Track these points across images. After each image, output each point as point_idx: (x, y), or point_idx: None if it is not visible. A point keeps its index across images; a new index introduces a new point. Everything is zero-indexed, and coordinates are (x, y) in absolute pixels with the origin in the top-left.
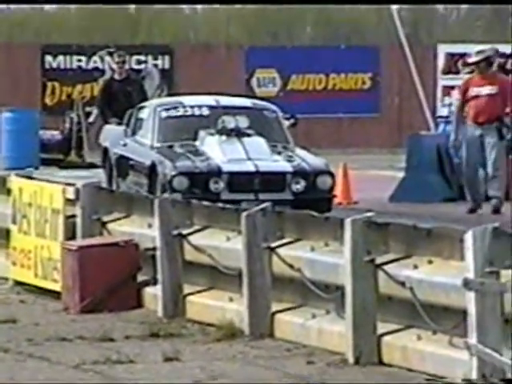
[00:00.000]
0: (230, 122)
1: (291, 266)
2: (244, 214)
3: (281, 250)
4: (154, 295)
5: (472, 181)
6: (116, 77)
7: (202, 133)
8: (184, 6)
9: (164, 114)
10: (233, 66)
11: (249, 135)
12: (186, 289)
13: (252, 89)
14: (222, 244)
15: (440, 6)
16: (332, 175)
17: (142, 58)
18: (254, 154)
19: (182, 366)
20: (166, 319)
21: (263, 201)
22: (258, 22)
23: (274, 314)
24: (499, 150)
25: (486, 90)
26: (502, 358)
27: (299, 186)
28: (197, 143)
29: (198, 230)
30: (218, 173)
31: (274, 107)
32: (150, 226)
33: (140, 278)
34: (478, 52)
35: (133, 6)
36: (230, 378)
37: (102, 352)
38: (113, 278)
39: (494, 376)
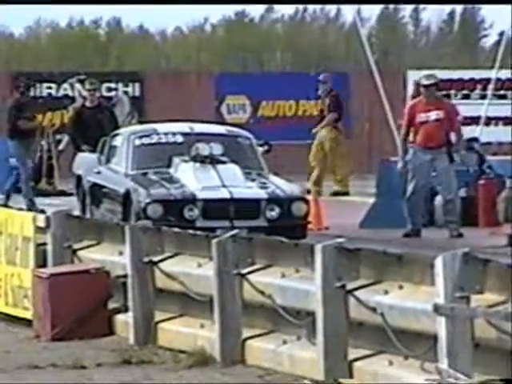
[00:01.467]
0: (204, 149)
1: (262, 293)
2: (214, 240)
3: (251, 277)
4: (125, 322)
5: (417, 205)
6: (87, 104)
7: (176, 160)
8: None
9: (138, 142)
10: (203, 92)
11: (223, 162)
12: (158, 316)
13: (222, 115)
14: (193, 271)
15: (410, 30)
16: (306, 201)
17: (113, 85)
18: (229, 181)
19: None
20: (137, 346)
21: (238, 228)
22: (227, 49)
23: (245, 340)
24: (450, 173)
25: (433, 115)
26: (473, 382)
27: (274, 212)
28: (171, 170)
29: (169, 257)
30: (192, 200)
31: (248, 134)
32: (120, 253)
33: (111, 305)
34: (429, 76)
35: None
36: None
37: (74, 379)
38: (84, 305)
39: None
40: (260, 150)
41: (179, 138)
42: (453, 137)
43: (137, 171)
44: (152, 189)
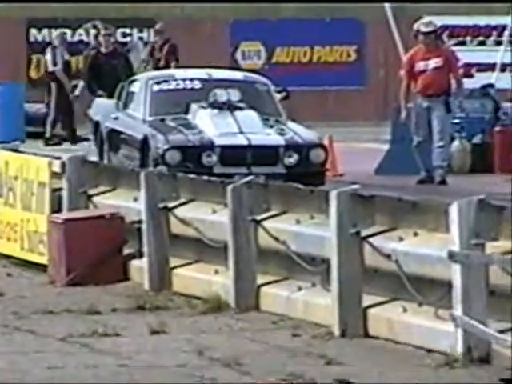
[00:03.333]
0: (221, 95)
1: (277, 239)
2: (229, 186)
3: (266, 223)
4: (140, 268)
5: (422, 151)
6: (102, 50)
7: (193, 106)
8: None
9: (156, 88)
10: (218, 39)
11: (241, 108)
12: (172, 262)
13: (237, 62)
14: (208, 217)
15: None
16: (325, 148)
17: (128, 30)
18: (247, 128)
19: (168, 339)
20: (152, 292)
21: (256, 174)
22: None
23: (259, 286)
24: (445, 121)
25: (433, 63)
26: (487, 329)
27: (292, 159)
28: (189, 117)
29: (184, 203)
30: (210, 146)
31: (265, 80)
32: (135, 199)
33: (126, 250)
34: (428, 23)
35: None
36: (216, 350)
37: (89, 325)
38: (99, 251)
39: (479, 347)
40: (278, 96)
41: (197, 84)
42: (453, 83)
43: (155, 117)
44: (170, 135)
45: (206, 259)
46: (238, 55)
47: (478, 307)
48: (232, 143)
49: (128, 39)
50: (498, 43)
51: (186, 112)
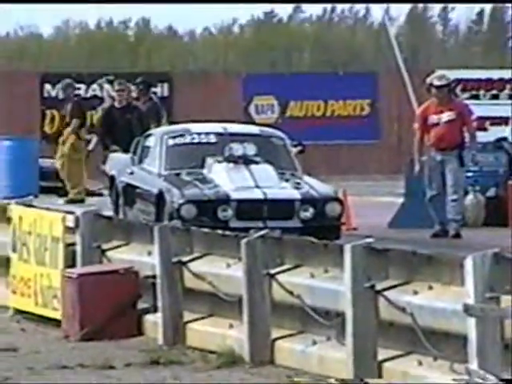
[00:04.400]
0: (237, 149)
1: (291, 293)
2: (244, 240)
3: (281, 277)
4: (154, 323)
5: (436, 204)
6: (116, 104)
7: (209, 160)
8: (182, 31)
9: (171, 142)
10: (231, 93)
11: (256, 162)
12: (187, 316)
13: (250, 116)
14: (222, 271)
15: (439, 30)
16: (341, 202)
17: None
18: (262, 182)
19: None
20: (166, 346)
21: (272, 228)
22: (255, 49)
23: (274, 340)
24: (459, 175)
25: (446, 116)
26: (503, 383)
27: (308, 213)
28: (204, 171)
29: (198, 257)
30: (226, 200)
31: (281, 134)
32: (149, 253)
33: (140, 305)
34: (440, 77)
35: (132, 32)
36: None
37: (103, 380)
38: (113, 305)
39: None
40: (294, 150)
41: (212, 138)
42: (466, 137)
43: (170, 171)
44: (185, 189)
45: (220, 313)
46: (252, 109)
47: (493, 361)
48: (248, 197)
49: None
50: None
51: (202, 166)
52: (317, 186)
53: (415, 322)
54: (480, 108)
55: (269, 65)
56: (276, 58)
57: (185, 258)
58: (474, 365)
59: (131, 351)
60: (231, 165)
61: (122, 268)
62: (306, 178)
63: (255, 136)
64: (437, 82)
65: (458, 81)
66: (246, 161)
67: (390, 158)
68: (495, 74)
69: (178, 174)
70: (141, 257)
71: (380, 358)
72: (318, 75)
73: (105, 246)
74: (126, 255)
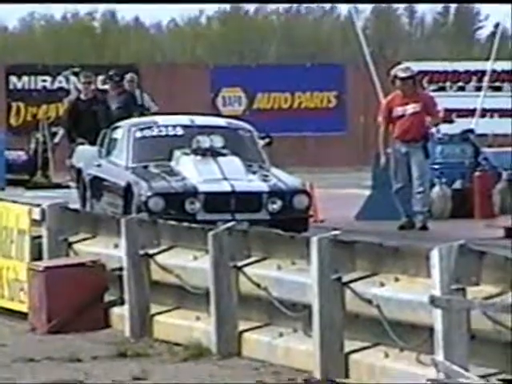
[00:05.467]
0: (204, 141)
1: (258, 285)
2: (210, 233)
3: (247, 269)
4: (121, 315)
5: (403, 197)
6: (82, 97)
7: (177, 153)
8: (148, 23)
9: (138, 134)
10: (198, 85)
11: (224, 155)
12: (154, 308)
13: (217, 108)
14: (189, 263)
15: (405, 23)
16: (308, 194)
17: None
18: (230, 174)
19: None
20: (133, 339)
21: (239, 221)
22: (222, 41)
23: (241, 332)
24: (424, 167)
25: (411, 108)
26: (469, 374)
27: (275, 205)
28: (172, 163)
29: (165, 250)
30: (193, 193)
31: (249, 126)
32: (116, 246)
33: (107, 298)
34: (405, 69)
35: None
36: None
37: (70, 373)
38: (80, 298)
39: None
40: (261, 142)
41: (180, 131)
42: (428, 123)
43: (138, 164)
44: (153, 182)
45: (187, 306)
46: (219, 101)
47: (459, 352)
48: (215, 190)
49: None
50: (478, 89)
51: (169, 159)
52: (284, 179)
53: (382, 314)
54: (446, 100)
55: (236, 57)
56: (243, 50)
57: (152, 251)
58: (440, 356)
59: (98, 344)
60: (199, 157)
61: (89, 261)
62: (274, 171)
63: (222, 128)
64: (401, 74)
65: (425, 73)
66: (214, 153)
67: (357, 150)
68: (461, 66)
69: (145, 167)
70: (108, 249)
71: (347, 349)
72: (285, 67)
73: (71, 239)
74: (92, 248)
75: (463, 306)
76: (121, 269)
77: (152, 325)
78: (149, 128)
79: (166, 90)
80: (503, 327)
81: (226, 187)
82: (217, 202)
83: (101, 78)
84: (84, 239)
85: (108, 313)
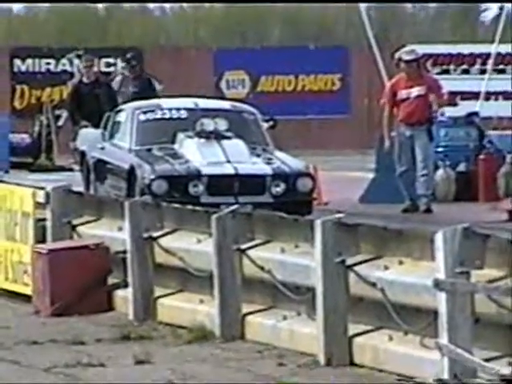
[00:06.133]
0: (208, 124)
1: (262, 268)
2: (214, 216)
3: (251, 252)
4: (124, 298)
5: (407, 180)
6: (84, 80)
7: (180, 135)
8: (152, 6)
9: (142, 117)
10: (202, 68)
11: (228, 138)
12: (157, 291)
13: (221, 91)
14: (193, 246)
15: (409, 6)
16: (312, 177)
17: (111, 60)
18: (234, 157)
19: (153, 369)
20: (136, 322)
21: (243, 204)
22: (226, 23)
23: (244, 315)
24: (428, 150)
25: (415, 91)
26: (473, 357)
27: (279, 188)
28: (175, 146)
29: (169, 233)
30: (197, 176)
31: (252, 109)
32: (120, 228)
33: (111, 280)
34: (410, 51)
35: (102, 6)
36: (201, 379)
37: (73, 355)
38: (83, 281)
39: (465, 376)
40: (265, 125)
41: (184, 114)
42: (435, 106)
43: (141, 147)
44: (157, 165)
45: (190, 289)
46: (223, 84)
47: (463, 335)
48: (219, 172)
49: (112, 69)
50: (483, 72)
51: (173, 141)
52: (288, 161)
53: (386, 297)
54: (450, 83)
55: (240, 40)
56: (247, 33)
57: (155, 234)
58: (444, 339)
59: (102, 327)
60: (202, 140)
61: (93, 243)
62: (278, 153)
63: (226, 111)
64: (406, 57)
65: (429, 55)
66: (218, 136)
67: (361, 133)
68: (466, 49)
69: (149, 150)
70: (111, 232)
71: (350, 333)
72: (288, 50)
73: (75, 222)
74: (96, 231)
75: (467, 290)
76: (124, 252)
77: (155, 308)
78: (152, 111)
79: (169, 73)
80: (507, 310)
81: (229, 170)
82: (220, 184)
83: (105, 61)
84: (88, 222)
85: (111, 295)
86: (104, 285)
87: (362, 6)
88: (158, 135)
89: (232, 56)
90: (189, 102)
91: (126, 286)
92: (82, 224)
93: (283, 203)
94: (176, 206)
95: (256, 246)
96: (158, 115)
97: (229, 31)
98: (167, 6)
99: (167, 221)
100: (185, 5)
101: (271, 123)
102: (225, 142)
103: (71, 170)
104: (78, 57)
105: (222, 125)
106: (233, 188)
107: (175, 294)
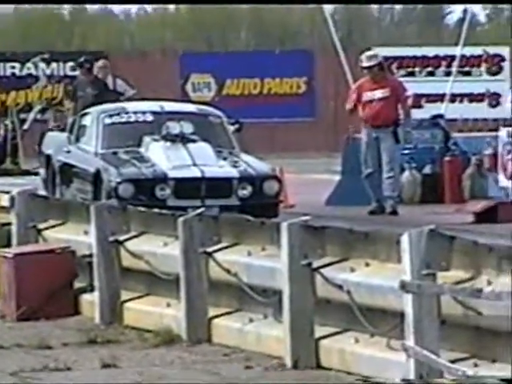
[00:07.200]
0: (174, 127)
1: (228, 271)
2: (180, 219)
3: (218, 255)
4: (91, 302)
5: (373, 182)
6: (84, 80)
7: (146, 139)
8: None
9: (107, 121)
10: (168, 71)
11: (194, 141)
12: (124, 295)
13: (187, 94)
14: (159, 250)
15: (375, 7)
16: (278, 180)
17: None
18: (200, 160)
19: (119, 372)
20: (103, 326)
21: (210, 207)
22: (192, 27)
23: (211, 319)
24: (394, 152)
25: (379, 93)
26: (439, 359)
27: (246, 191)
28: (141, 149)
29: (135, 236)
30: (163, 179)
31: (218, 112)
32: (86, 232)
33: (77, 284)
34: (371, 56)
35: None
36: (169, 383)
37: (40, 360)
38: (49, 285)
39: (431, 377)
40: (231, 128)
41: (149, 117)
42: (401, 114)
43: (107, 150)
44: (123, 168)
45: (157, 292)
46: (189, 87)
47: (429, 337)
48: (185, 176)
49: (77, 73)
50: (447, 74)
51: (139, 145)
52: (254, 164)
53: (352, 299)
54: (416, 85)
55: (205, 43)
56: (212, 37)
57: (122, 237)
58: (410, 341)
59: (68, 331)
60: (168, 143)
61: (59, 247)
62: (244, 156)
63: (192, 114)
64: (365, 64)
65: (394, 58)
66: (184, 139)
67: (327, 136)
68: (431, 51)
69: (115, 153)
70: (77, 236)
71: (317, 335)
72: (254, 53)
73: (41, 226)
74: (62, 234)
75: (433, 291)
76: (90, 255)
77: (122, 311)
78: (118, 114)
79: (135, 77)
80: (473, 312)
81: (195, 173)
82: (187, 187)
83: (70, 64)
84: (53, 226)
85: (78, 299)
86: (70, 289)
87: (327, 8)
88: (124, 139)
89: (198, 59)
90: (154, 106)
91: (92, 289)
92: (48, 228)
93: (250, 206)
94: (142, 209)
95: (223, 249)
96: (124, 119)
97: (194, 35)
98: (133, 10)
99: (134, 224)
100: (149, 9)
101: (237, 126)
102: (191, 145)
103: (36, 174)
104: (43, 60)
105: (187, 128)
106: (199, 191)
107: (142, 298)
